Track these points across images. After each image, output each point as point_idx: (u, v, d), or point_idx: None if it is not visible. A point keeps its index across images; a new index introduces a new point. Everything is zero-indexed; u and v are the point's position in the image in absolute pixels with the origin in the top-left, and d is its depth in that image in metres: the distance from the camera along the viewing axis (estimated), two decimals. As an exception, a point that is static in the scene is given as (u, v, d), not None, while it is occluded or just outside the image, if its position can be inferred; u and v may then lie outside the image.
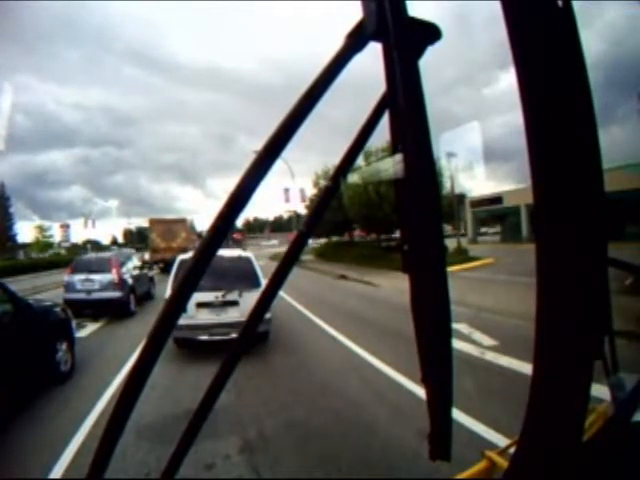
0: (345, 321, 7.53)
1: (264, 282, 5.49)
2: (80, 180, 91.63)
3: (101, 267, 9.36)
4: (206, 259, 0.41)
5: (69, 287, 9.13)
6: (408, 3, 0.39)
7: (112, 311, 8.90)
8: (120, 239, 66.24)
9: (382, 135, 0.52)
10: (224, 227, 0.41)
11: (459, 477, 0.93)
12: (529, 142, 0.36)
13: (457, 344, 5.20)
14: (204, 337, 5.49)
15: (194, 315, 5.39)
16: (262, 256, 16.18)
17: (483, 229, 33.08)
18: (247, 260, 6.06)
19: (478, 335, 5.95)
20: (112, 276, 9.11)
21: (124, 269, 9.78)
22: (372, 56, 0.43)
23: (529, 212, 22.70)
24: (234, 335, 0.48)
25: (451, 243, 17.89)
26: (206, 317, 5.51)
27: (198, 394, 0.47)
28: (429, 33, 0.42)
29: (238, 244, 26.45)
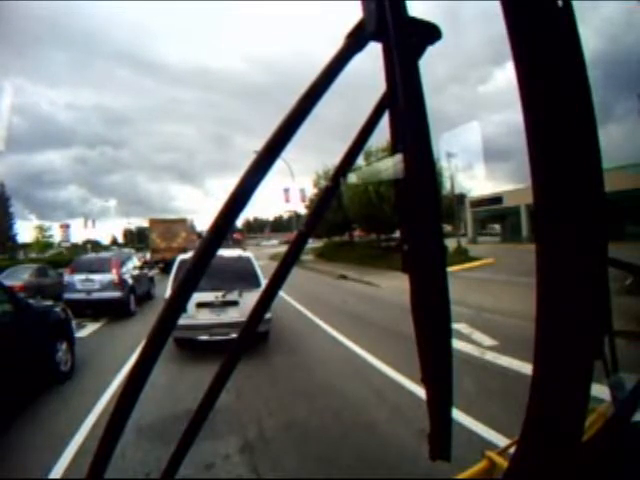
0: (345, 321, 7.53)
1: (264, 282, 5.49)
2: (77, 180, 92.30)
3: (101, 267, 9.37)
4: (206, 259, 0.41)
5: (69, 287, 9.14)
6: (408, 3, 0.39)
7: (112, 311, 8.91)
8: (120, 239, 66.37)
9: (382, 135, 0.52)
10: (224, 227, 0.41)
11: (459, 477, 0.93)
12: (529, 142, 0.36)
13: (457, 344, 5.20)
14: (204, 337, 5.49)
15: (194, 315, 5.39)
16: (262, 256, 16.21)
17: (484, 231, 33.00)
18: (247, 260, 6.06)
19: (478, 335, 5.95)
20: (112, 276, 9.12)
21: (124, 269, 9.78)
22: (372, 56, 0.43)
23: (529, 212, 22.71)
24: (234, 335, 0.47)
25: (451, 243, 17.88)
26: (206, 317, 5.51)
27: (198, 394, 0.47)
28: (429, 33, 0.42)
29: (238, 244, 26.45)
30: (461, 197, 24.08)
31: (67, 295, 8.88)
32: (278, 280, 0.48)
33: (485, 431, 3.10)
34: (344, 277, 15.38)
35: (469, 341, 5.68)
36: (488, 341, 5.71)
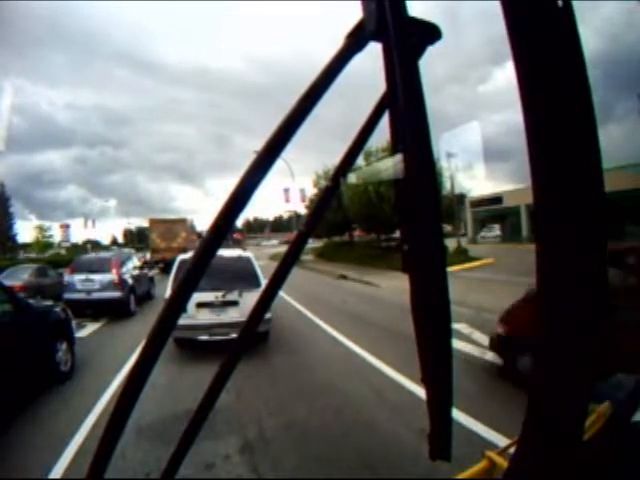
0: (345, 321, 7.53)
1: (264, 282, 5.49)
2: (77, 180, 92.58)
3: (101, 267, 9.37)
4: (206, 259, 0.41)
5: (69, 287, 9.14)
6: (408, 3, 0.39)
7: (112, 311, 8.90)
8: (120, 239, 66.45)
9: (382, 135, 0.52)
10: (224, 227, 0.41)
11: (459, 477, 0.92)
12: (529, 142, 0.36)
13: (457, 344, 5.20)
14: (204, 337, 5.49)
15: (194, 315, 5.39)
16: (262, 256, 16.21)
17: (484, 231, 32.93)
18: (247, 260, 6.06)
19: (478, 335, 5.95)
20: (112, 276, 9.12)
21: (124, 269, 9.78)
22: (372, 56, 0.43)
23: (529, 212, 22.72)
24: (234, 335, 0.48)
25: (451, 243, 17.89)
26: (206, 317, 5.51)
27: (198, 394, 0.47)
28: (429, 33, 0.42)
29: (238, 244, 26.46)
30: (461, 197, 24.09)
31: (67, 295, 8.88)
32: (278, 280, 0.48)
33: (485, 431, 3.10)
34: (344, 277, 15.38)
35: (469, 341, 5.68)
36: (488, 341, 5.71)
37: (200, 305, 5.48)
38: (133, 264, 11.03)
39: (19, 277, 10.71)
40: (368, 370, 4.91)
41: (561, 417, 0.39)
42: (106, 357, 5.81)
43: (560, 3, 0.38)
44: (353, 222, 22.83)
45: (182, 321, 4.44)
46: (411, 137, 0.40)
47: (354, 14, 0.40)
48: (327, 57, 0.41)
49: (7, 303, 4.29)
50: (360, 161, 0.65)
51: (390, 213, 16.26)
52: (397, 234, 14.77)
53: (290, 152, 0.48)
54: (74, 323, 5.68)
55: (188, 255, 6.53)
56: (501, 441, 2.61)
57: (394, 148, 0.43)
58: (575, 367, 0.38)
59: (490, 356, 5.09)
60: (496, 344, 4.53)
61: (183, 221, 22.21)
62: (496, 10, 0.34)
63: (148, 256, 20.76)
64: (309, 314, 8.45)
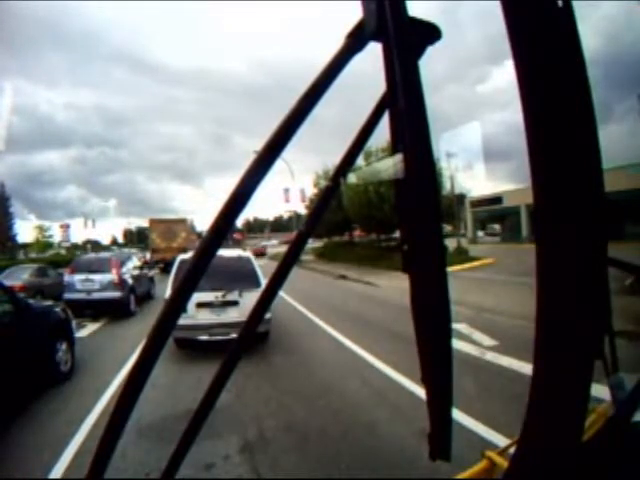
0: (345, 321, 7.53)
1: (264, 282, 5.49)
2: (76, 180, 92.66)
3: (101, 267, 9.37)
4: (206, 259, 0.41)
5: (69, 287, 9.14)
6: (408, 3, 0.39)
7: (112, 311, 8.90)
8: (120, 239, 66.50)
9: (382, 135, 0.52)
10: (224, 227, 0.41)
11: (459, 477, 0.92)
12: (529, 142, 0.36)
13: (457, 344, 5.20)
14: (204, 337, 5.49)
15: (194, 315, 5.39)
16: (262, 256, 16.19)
17: (481, 232, 32.87)
18: (247, 260, 6.06)
19: (478, 335, 5.95)
20: (112, 276, 9.12)
21: (124, 269, 9.78)
22: (372, 56, 0.43)
23: (529, 212, 22.71)
24: (234, 335, 0.48)
25: (451, 243, 17.88)
26: (206, 317, 5.51)
27: (198, 394, 0.47)
28: (429, 33, 0.42)
29: (238, 244, 26.47)
30: (461, 197, 24.08)
31: (67, 295, 8.87)
32: (278, 280, 0.48)
33: (485, 431, 3.10)
34: (344, 277, 15.38)
35: (469, 341, 5.68)
36: (488, 341, 5.71)
37: (200, 305, 5.47)
38: (133, 264, 11.04)
39: (19, 277, 10.72)
40: (368, 369, 4.90)
41: (561, 417, 0.39)
42: (106, 357, 5.81)
43: (560, 3, 0.38)
44: (353, 222, 22.83)
45: (182, 321, 4.43)
46: (411, 137, 0.40)
47: (354, 14, 0.40)
48: (327, 57, 0.41)
49: (7, 303, 4.28)
50: (360, 161, 0.65)
51: (390, 213, 16.26)
52: (397, 234, 14.76)
53: (290, 152, 0.48)
54: (74, 323, 5.67)
55: (188, 255, 6.53)
56: (501, 441, 2.61)
57: (394, 148, 0.43)
58: (575, 367, 0.38)
59: (490, 356, 5.09)
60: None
61: (183, 221, 22.22)
62: (496, 10, 0.35)
63: (148, 256, 20.78)
64: (309, 314, 8.45)
